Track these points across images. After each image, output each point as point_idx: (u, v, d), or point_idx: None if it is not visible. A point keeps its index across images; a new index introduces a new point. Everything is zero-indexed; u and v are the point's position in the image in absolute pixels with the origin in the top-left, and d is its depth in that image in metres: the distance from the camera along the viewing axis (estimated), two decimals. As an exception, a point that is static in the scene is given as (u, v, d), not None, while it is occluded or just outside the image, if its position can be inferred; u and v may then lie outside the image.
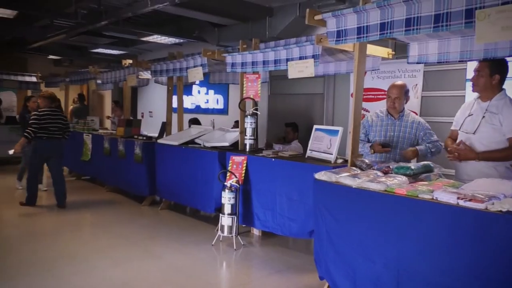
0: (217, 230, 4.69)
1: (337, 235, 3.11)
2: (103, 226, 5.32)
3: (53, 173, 6.23)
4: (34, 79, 10.84)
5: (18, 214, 5.88)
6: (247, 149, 5.06)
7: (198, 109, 9.95)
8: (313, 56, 3.93)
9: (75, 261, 4.08)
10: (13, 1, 6.97)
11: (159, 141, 6.21)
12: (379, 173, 3.17)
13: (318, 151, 4.24)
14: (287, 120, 6.87)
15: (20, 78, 10.73)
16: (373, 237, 2.84)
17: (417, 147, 3.91)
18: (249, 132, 5.06)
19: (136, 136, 6.87)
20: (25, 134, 5.98)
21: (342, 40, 3.27)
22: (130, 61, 7.20)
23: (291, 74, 4.15)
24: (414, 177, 3.08)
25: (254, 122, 5.08)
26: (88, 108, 12.14)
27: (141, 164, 6.33)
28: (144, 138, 6.67)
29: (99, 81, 8.28)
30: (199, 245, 4.63)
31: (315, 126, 4.52)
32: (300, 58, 4.09)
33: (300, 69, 4.08)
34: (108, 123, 10.89)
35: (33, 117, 6.06)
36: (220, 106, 9.55)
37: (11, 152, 6.14)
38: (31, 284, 3.53)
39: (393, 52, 4.32)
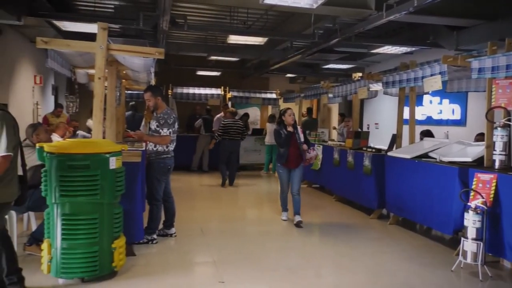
0: (457, 255, 4.21)
1: None
2: (332, 233, 5.53)
3: (231, 163, 8.75)
4: (274, 95, 12.38)
5: (258, 214, 6.80)
6: (496, 166, 4.37)
7: (429, 121, 9.27)
8: None
9: (308, 264, 4.38)
10: (264, 29, 8.18)
11: (389, 153, 6.07)
12: None
13: None
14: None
15: (263, 95, 12.46)
16: None
17: None
18: (499, 146, 4.38)
19: (364, 148, 6.92)
20: (214, 137, 8.95)
21: None
22: (360, 74, 7.33)
23: None
24: None
25: (506, 135, 4.37)
26: (317, 120, 13.01)
27: (370, 176, 6.32)
28: (373, 150, 6.64)
29: (330, 95, 8.75)
30: (435, 268, 4.25)
31: None
32: None
33: None
34: (334, 134, 11.39)
35: (220, 125, 8.87)
36: (456, 116, 8.63)
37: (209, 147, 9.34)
38: (280, 278, 3.98)
39: None
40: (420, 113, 9.41)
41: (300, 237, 5.34)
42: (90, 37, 4.99)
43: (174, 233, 5.06)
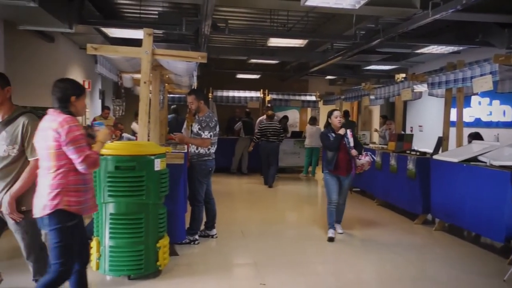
0: (510, 263, 4.00)
1: None
2: (374, 239, 5.38)
3: (271, 163, 9.02)
4: (313, 98, 12.28)
5: (298, 217, 6.74)
6: (554, 171, 4.12)
7: (478, 123, 8.86)
8: None
9: (349, 269, 4.31)
10: (304, 32, 8.14)
11: (435, 157, 5.85)
12: None
13: None
14: None
15: (302, 97, 12.39)
16: None
17: None
18: (557, 150, 4.12)
19: (408, 151, 6.71)
20: (253, 139, 9.50)
21: None
22: (404, 75, 7.13)
23: None
24: None
25: None
26: (355, 123, 12.76)
27: (414, 180, 6.12)
28: (418, 153, 6.43)
29: (372, 97, 8.56)
30: (485, 277, 4.06)
31: None
32: None
33: None
34: (375, 137, 11.13)
35: (257, 128, 9.40)
36: (508, 118, 8.20)
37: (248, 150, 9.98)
38: (321, 283, 3.94)
39: None
40: (468, 114, 9.02)
41: (342, 241, 5.24)
42: (134, 42, 5.17)
43: (215, 234, 5.13)
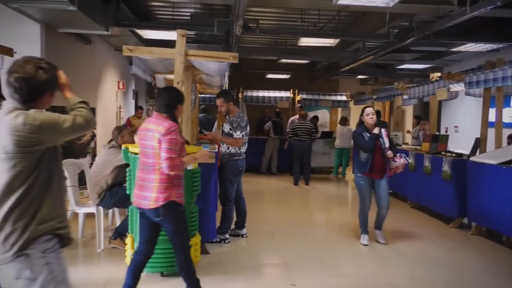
0: (553, 272, 3.82)
1: None
2: (406, 241, 5.26)
3: (304, 162, 9.21)
4: (344, 98, 12.13)
5: (328, 218, 6.67)
6: None
7: (518, 123, 8.50)
8: None
9: (381, 272, 4.23)
10: (335, 31, 8.07)
11: (472, 158, 5.66)
12: None
13: None
14: None
15: (333, 97, 12.26)
16: None
17: None
18: None
19: (443, 153, 6.52)
20: (285, 138, 9.88)
21: None
22: (439, 74, 6.93)
23: None
24: None
25: None
26: (387, 124, 12.48)
27: (449, 182, 5.94)
28: (453, 154, 6.23)
29: (405, 97, 8.37)
30: (526, 285, 3.89)
31: None
32: None
33: None
34: (408, 138, 10.86)
35: (289, 128, 9.70)
36: (551, 118, 7.83)
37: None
38: (352, 285, 3.90)
39: None
40: (508, 115, 8.65)
41: (373, 244, 5.14)
42: (166, 43, 5.26)
43: (246, 234, 5.15)
